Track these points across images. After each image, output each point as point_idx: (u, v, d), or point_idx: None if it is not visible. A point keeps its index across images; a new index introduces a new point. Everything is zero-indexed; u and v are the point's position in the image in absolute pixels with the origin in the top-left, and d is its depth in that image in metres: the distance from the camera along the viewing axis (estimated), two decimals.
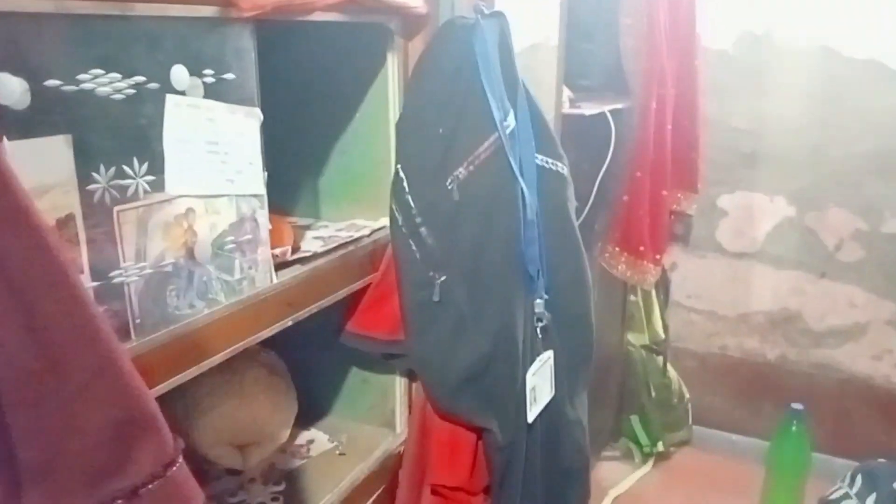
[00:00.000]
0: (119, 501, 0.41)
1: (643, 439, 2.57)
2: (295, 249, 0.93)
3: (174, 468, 0.45)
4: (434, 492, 1.08)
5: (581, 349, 1.21)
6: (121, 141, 0.63)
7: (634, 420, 2.57)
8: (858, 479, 1.23)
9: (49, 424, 0.39)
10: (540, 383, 1.11)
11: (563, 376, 1.17)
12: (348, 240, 1.01)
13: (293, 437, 1.16)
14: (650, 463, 2.57)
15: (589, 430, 1.58)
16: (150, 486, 0.42)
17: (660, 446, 2.57)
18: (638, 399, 2.55)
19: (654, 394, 2.53)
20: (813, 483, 2.14)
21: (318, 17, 0.85)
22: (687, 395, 2.64)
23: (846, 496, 1.21)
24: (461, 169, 1.00)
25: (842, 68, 2.21)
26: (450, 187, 1.00)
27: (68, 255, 0.46)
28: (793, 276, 2.47)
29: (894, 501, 1.15)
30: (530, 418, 1.08)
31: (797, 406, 2.15)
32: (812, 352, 2.49)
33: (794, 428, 2.14)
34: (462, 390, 1.01)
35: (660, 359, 2.52)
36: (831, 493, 1.26)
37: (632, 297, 2.48)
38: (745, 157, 2.40)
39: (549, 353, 1.14)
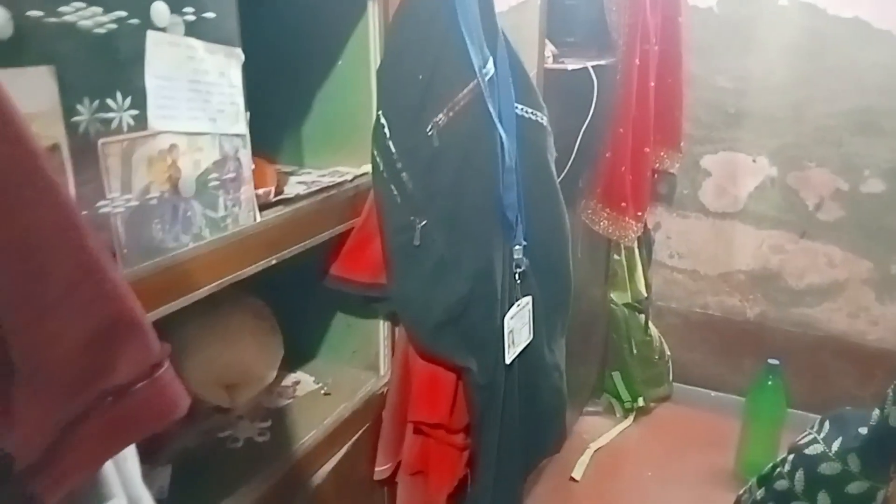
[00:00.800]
0: (109, 399, 0.44)
1: (624, 395, 2.64)
2: (278, 192, 0.95)
3: (161, 370, 0.47)
4: (416, 430, 1.13)
5: (558, 296, 1.24)
6: (103, 74, 0.65)
7: (616, 376, 2.64)
8: (826, 424, 1.27)
9: (35, 327, 0.42)
10: (518, 327, 1.15)
11: (542, 322, 1.21)
12: (330, 184, 1.03)
13: (280, 378, 1.19)
14: (631, 418, 2.64)
15: (571, 385, 1.63)
16: (136, 387, 0.45)
17: (640, 402, 2.64)
18: (620, 356, 2.61)
19: (635, 351, 2.59)
20: (787, 436, 2.20)
21: None
22: (668, 353, 2.70)
23: (814, 441, 1.26)
24: (441, 115, 1.02)
25: (826, 26, 2.23)
26: (430, 133, 1.02)
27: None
28: (774, 235, 2.51)
29: (855, 439, 1.20)
30: (508, 360, 1.12)
31: (774, 361, 2.21)
32: (791, 310, 2.55)
33: (770, 382, 2.21)
34: (442, 330, 1.05)
35: (642, 317, 2.57)
36: (800, 439, 1.31)
37: (615, 256, 2.52)
38: (729, 116, 2.42)
39: (528, 299, 1.17)
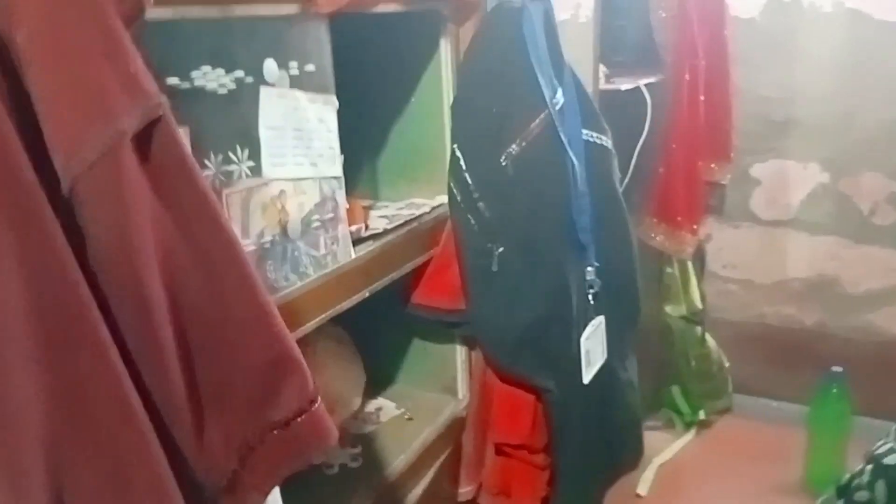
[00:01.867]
0: (275, 431, 0.49)
1: (684, 408, 2.62)
2: (366, 227, 1.00)
3: (316, 405, 0.52)
4: (498, 451, 1.16)
5: (629, 314, 1.27)
6: (226, 130, 0.71)
7: (675, 390, 2.62)
8: None
9: (222, 359, 0.47)
10: (593, 347, 1.17)
11: (615, 340, 1.24)
12: (411, 217, 1.08)
13: (363, 405, 1.23)
14: (692, 432, 2.62)
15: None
16: (298, 420, 0.50)
17: (701, 415, 2.62)
18: (677, 369, 2.60)
19: (693, 363, 2.58)
20: (854, 445, 2.17)
21: (381, 8, 0.91)
22: (726, 364, 2.68)
23: (892, 450, 1.25)
24: (514, 145, 1.06)
25: (870, 32, 2.22)
26: (504, 163, 1.06)
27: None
28: (828, 242, 2.48)
29: None
30: (586, 380, 1.15)
31: (837, 369, 2.18)
32: (849, 316, 2.52)
33: (834, 390, 2.18)
34: (520, 352, 1.08)
35: (698, 329, 2.56)
36: (877, 448, 1.30)
37: (668, 269, 2.52)
38: (777, 125, 2.42)
39: (601, 319, 1.20)
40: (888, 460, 1.23)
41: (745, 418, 2.69)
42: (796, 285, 2.57)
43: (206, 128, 0.67)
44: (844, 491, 1.31)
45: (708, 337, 2.59)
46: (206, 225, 0.46)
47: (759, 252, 2.59)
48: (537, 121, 1.06)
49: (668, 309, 2.55)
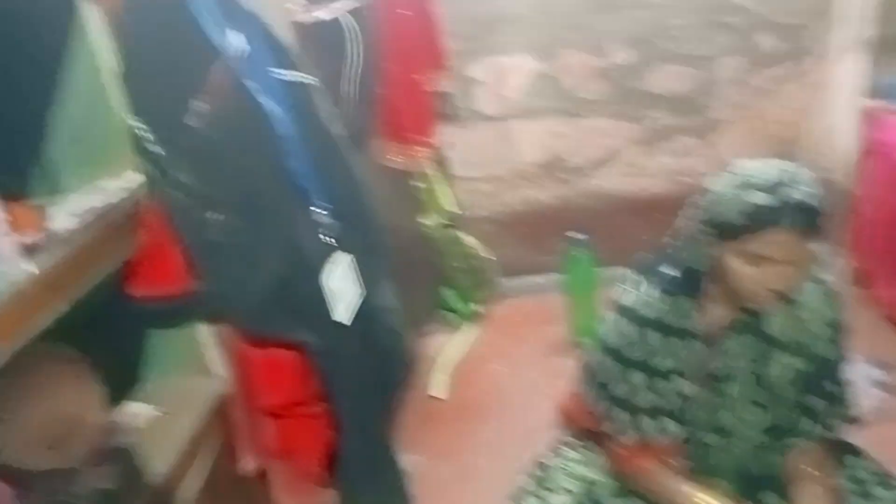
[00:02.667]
0: None
1: (459, 306, 2.80)
2: (45, 232, 0.87)
3: None
4: (272, 415, 1.13)
5: (376, 244, 1.27)
6: None
7: (448, 291, 2.78)
8: (632, 275, 1.44)
9: None
10: (343, 286, 1.17)
11: (367, 273, 1.24)
12: (106, 206, 0.96)
13: (113, 417, 1.13)
14: (471, 325, 2.81)
15: (408, 313, 1.70)
16: None
17: (475, 307, 2.81)
18: (446, 272, 2.75)
19: (458, 263, 2.74)
20: (605, 295, 2.47)
21: None
22: (489, 256, 2.87)
23: (627, 291, 1.43)
24: (199, 103, 0.98)
25: None
26: (192, 124, 0.98)
27: None
28: (549, 124, 2.70)
29: (664, 280, 1.38)
30: (342, 319, 1.15)
31: (577, 234, 2.43)
32: (580, 185, 2.80)
33: (579, 252, 2.44)
34: (268, 313, 1.04)
35: (456, 231, 2.70)
36: (616, 295, 1.46)
37: (417, 183, 2.59)
38: (482, 23, 2.52)
39: (348, 257, 1.19)
40: (626, 301, 1.41)
41: (515, 298, 2.94)
42: (532, 169, 2.79)
43: None
44: (600, 339, 1.48)
45: (466, 235, 2.75)
46: None
47: (494, 147, 2.75)
48: (216, 73, 0.98)
49: (428, 221, 2.65)
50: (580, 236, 2.42)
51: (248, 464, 1.12)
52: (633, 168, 2.75)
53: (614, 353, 1.39)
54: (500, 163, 2.78)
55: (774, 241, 1.17)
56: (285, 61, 1.14)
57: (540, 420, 1.83)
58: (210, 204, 1.00)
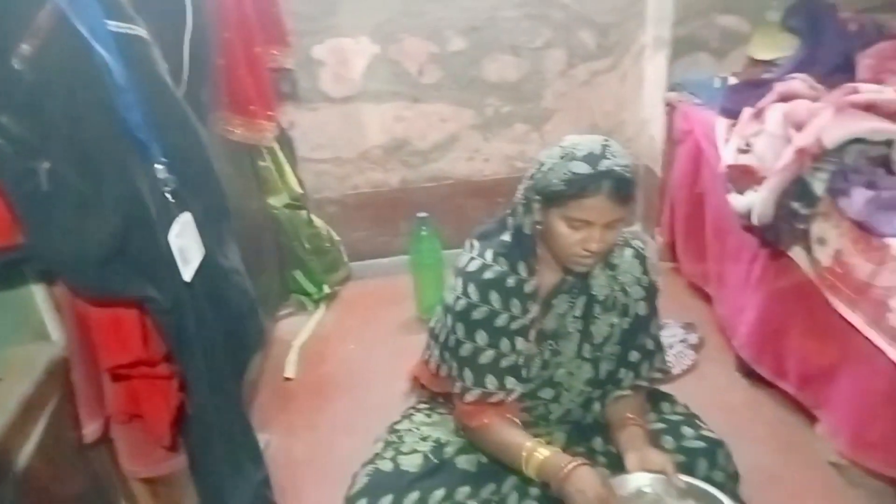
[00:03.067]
0: None
1: (310, 288, 2.79)
2: None
3: None
4: (116, 377, 1.09)
5: (216, 204, 1.26)
6: None
7: (297, 274, 2.76)
8: (475, 243, 1.54)
9: None
10: (187, 244, 1.15)
11: (208, 233, 1.23)
12: None
13: None
14: (322, 307, 2.82)
15: (258, 296, 1.68)
16: None
17: (326, 289, 2.82)
18: (295, 255, 2.73)
19: (307, 245, 2.73)
20: (450, 274, 2.58)
21: None
22: (337, 238, 2.89)
23: (471, 259, 1.52)
24: (24, 45, 0.93)
25: None
26: (18, 67, 0.92)
27: None
28: (392, 107, 2.78)
29: (500, 245, 1.48)
30: (187, 278, 1.13)
31: (422, 214, 2.52)
32: (424, 168, 2.90)
33: (423, 232, 2.53)
34: (105, 269, 1.01)
35: (303, 212, 2.69)
36: (460, 264, 1.56)
37: (261, 163, 2.55)
38: (325, 3, 2.54)
39: (187, 215, 1.17)
40: (471, 267, 1.50)
41: (363, 280, 2.98)
42: (377, 152, 2.85)
43: None
44: (445, 305, 1.56)
45: (314, 217, 2.75)
46: None
47: (340, 129, 2.78)
48: (43, 13, 0.93)
49: (272, 201, 2.62)
50: (424, 215, 2.51)
51: (91, 429, 1.07)
52: (473, 153, 2.89)
53: (459, 316, 1.49)
54: (346, 146, 2.81)
55: (592, 207, 1.33)
56: (116, 12, 1.10)
57: (391, 395, 1.90)
58: (37, 152, 0.95)
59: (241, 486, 1.31)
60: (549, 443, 1.63)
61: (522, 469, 1.41)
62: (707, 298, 2.52)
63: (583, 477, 1.33)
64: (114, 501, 1.18)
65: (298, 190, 2.64)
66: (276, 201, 2.61)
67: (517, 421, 1.55)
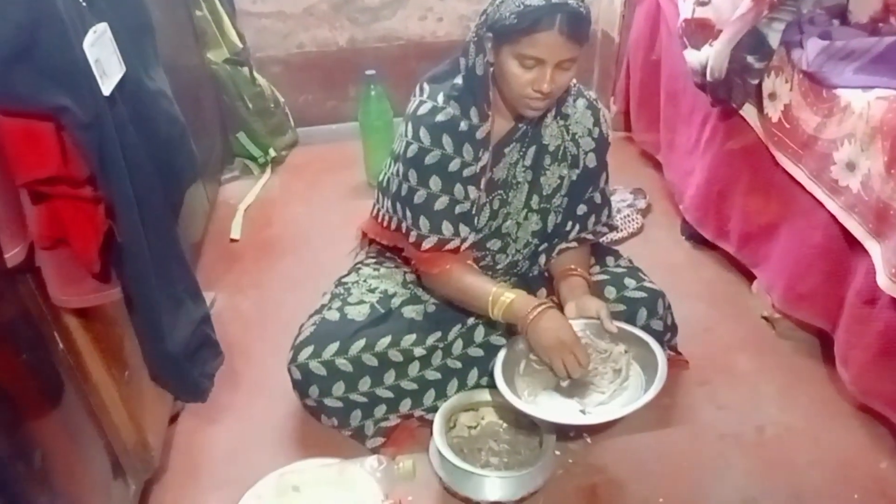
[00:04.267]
0: None
1: (255, 151, 2.70)
2: None
3: None
4: (36, 198, 1.02)
5: (137, 18, 1.16)
6: None
7: (241, 136, 2.66)
8: (426, 86, 1.49)
9: None
10: (104, 56, 1.06)
11: (129, 50, 1.13)
12: None
13: None
14: (268, 170, 2.74)
15: (201, 158, 1.59)
16: None
17: (271, 153, 2.73)
18: (238, 115, 2.61)
19: (250, 105, 2.61)
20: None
21: None
22: (282, 99, 2.77)
23: (422, 102, 1.47)
24: None
25: None
26: None
27: None
28: None
29: (452, 88, 1.43)
30: (106, 91, 1.05)
31: (370, 71, 2.41)
32: (374, 26, 2.76)
33: (372, 92, 2.43)
34: (11, 70, 0.92)
35: (245, 70, 2.55)
36: (411, 107, 1.50)
37: (198, 13, 2.39)
38: None
39: (104, 25, 1.07)
40: (421, 111, 1.45)
41: (311, 146, 2.90)
42: (323, 7, 2.69)
43: None
44: (395, 154, 1.51)
45: (258, 76, 2.62)
46: None
47: None
48: None
49: (211, 55, 2.48)
50: (372, 72, 2.40)
51: (13, 252, 1.01)
52: (426, 11, 2.76)
53: (412, 162, 1.45)
54: None
55: (545, 43, 1.27)
56: None
57: (339, 254, 1.88)
58: None
59: (180, 322, 1.29)
60: None
61: (488, 312, 1.43)
62: (658, 167, 2.54)
63: (552, 317, 1.37)
64: (46, 335, 1.14)
65: (239, 44, 2.49)
66: (216, 56, 2.47)
67: (476, 267, 1.55)
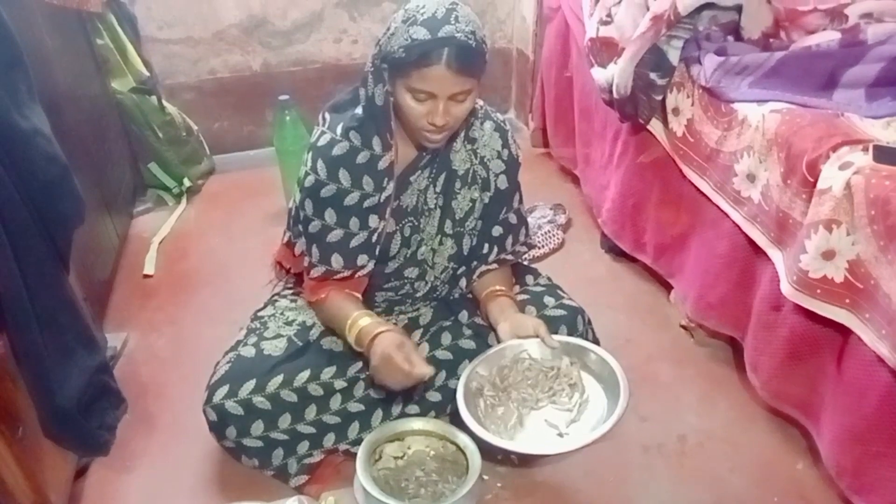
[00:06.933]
0: None
1: (168, 182, 2.60)
2: None
3: None
4: None
5: (5, 54, 1.09)
6: None
7: (153, 167, 2.56)
8: (327, 116, 1.45)
9: None
10: None
11: (5, 89, 1.07)
12: None
13: None
14: (184, 201, 2.64)
15: (108, 190, 1.52)
16: None
17: (186, 182, 2.64)
18: (148, 145, 2.52)
19: (161, 135, 2.52)
20: None
21: None
22: (195, 127, 2.69)
23: (322, 133, 1.43)
24: None
25: None
26: None
27: None
28: None
29: (352, 119, 1.40)
30: None
31: (284, 96, 2.36)
32: (287, 50, 2.71)
33: (287, 117, 2.38)
34: None
35: (153, 98, 2.47)
36: (312, 139, 1.47)
37: (99, 41, 2.30)
38: None
39: None
40: (321, 142, 1.41)
41: (229, 173, 2.82)
42: (234, 31, 2.63)
43: None
44: (300, 184, 1.48)
45: (167, 104, 2.53)
46: None
47: (188, 4, 2.53)
48: None
49: (116, 84, 2.39)
50: (286, 97, 2.36)
51: None
52: (341, 34, 2.73)
53: (308, 192, 1.41)
54: (198, 23, 2.57)
55: (434, 77, 1.25)
56: None
57: (258, 284, 1.82)
58: None
59: (72, 373, 1.21)
60: (416, 318, 1.63)
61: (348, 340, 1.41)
62: (576, 181, 2.57)
63: (382, 340, 1.33)
64: None
65: (145, 72, 2.40)
66: (121, 85, 2.38)
67: (357, 295, 1.51)
